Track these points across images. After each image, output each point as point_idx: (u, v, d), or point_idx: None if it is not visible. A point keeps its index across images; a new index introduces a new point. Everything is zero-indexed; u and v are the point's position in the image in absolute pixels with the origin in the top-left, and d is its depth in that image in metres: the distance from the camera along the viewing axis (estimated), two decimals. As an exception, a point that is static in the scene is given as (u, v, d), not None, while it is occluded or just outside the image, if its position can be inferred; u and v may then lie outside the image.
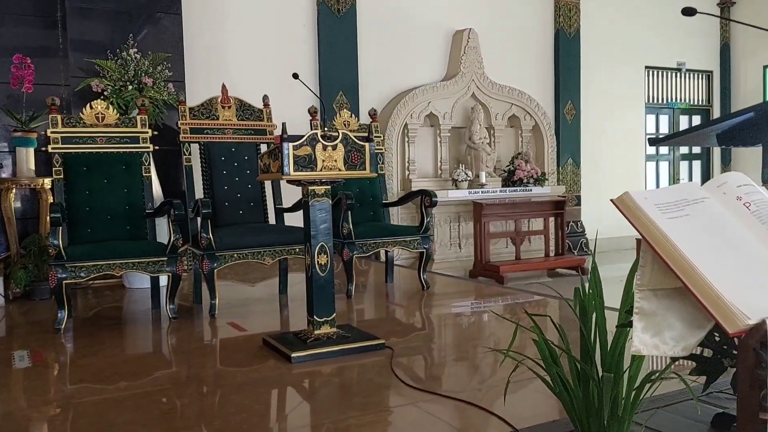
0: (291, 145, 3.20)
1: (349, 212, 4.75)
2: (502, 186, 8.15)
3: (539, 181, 8.27)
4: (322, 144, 3.27)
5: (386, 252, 5.30)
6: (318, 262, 3.41)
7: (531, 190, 8.13)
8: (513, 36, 8.77)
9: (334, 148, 3.30)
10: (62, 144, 4.39)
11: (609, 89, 9.53)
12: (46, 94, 5.02)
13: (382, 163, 5.49)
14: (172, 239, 4.20)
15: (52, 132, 4.36)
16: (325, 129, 3.29)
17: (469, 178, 7.83)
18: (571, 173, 9.19)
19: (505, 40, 8.65)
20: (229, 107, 4.95)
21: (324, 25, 7.42)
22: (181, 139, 4.79)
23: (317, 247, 3.41)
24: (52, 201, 4.97)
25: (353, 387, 2.93)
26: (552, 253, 8.02)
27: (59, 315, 4.01)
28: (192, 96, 5.69)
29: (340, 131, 3.34)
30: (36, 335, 4.02)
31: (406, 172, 7.81)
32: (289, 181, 3.35)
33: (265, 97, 5.07)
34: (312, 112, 5.19)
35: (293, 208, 4.73)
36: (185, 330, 4.07)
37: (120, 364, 3.36)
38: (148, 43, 6.06)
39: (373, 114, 5.55)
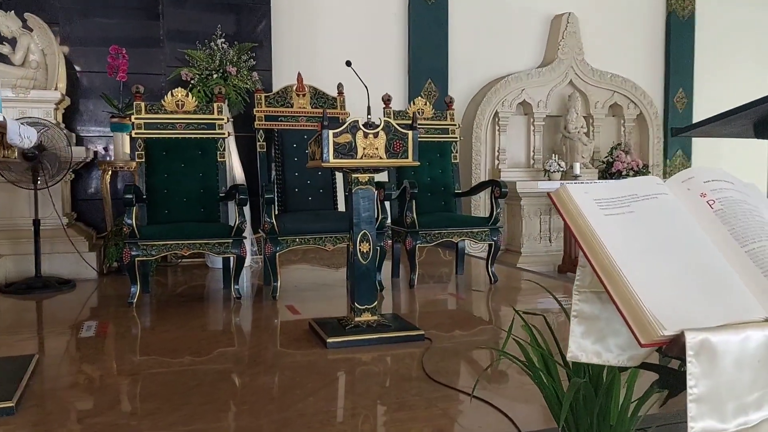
0: (331, 132, 3.22)
1: (414, 201, 4.71)
2: (599, 178, 7.78)
3: (640, 173, 7.82)
4: (363, 131, 3.26)
5: (456, 243, 5.21)
6: (360, 249, 3.42)
7: (630, 182, 7.69)
8: (617, 19, 8.32)
9: (376, 135, 3.28)
10: (144, 129, 4.65)
11: (726, 77, 8.83)
12: (146, 82, 5.35)
13: (456, 152, 5.40)
14: (237, 222, 4.35)
15: (135, 118, 4.64)
16: (369, 117, 3.27)
17: (562, 169, 7.54)
18: (680, 166, 8.62)
19: (608, 24, 8.22)
20: (304, 95, 5.05)
21: (414, 12, 7.37)
22: (255, 126, 4.94)
23: (359, 235, 3.42)
24: (128, 183, 5.30)
25: (376, 376, 2.92)
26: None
27: (132, 290, 4.27)
28: (279, 85, 5.85)
29: (382, 119, 3.31)
30: (111, 308, 4.31)
31: (496, 162, 7.64)
32: (331, 168, 3.37)
33: (340, 85, 5.11)
34: (385, 99, 5.18)
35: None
36: (245, 311, 4.22)
37: (172, 340, 3.53)
38: (237, 33, 6.29)
39: (449, 102, 5.47)
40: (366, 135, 3.27)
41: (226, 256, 4.42)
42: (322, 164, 3.24)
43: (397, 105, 5.26)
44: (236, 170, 5.70)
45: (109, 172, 5.61)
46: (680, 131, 2.22)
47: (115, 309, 4.27)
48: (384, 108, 5.18)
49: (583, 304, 1.36)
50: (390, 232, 4.95)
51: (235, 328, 3.91)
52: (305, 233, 4.41)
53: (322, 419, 2.35)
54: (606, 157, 7.99)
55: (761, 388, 1.12)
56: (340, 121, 5.11)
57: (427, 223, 4.79)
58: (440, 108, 5.48)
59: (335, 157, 3.23)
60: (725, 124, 2.00)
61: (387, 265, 5.12)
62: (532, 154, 7.84)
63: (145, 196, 4.56)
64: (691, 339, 1.07)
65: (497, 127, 7.64)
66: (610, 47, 8.22)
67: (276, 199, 4.83)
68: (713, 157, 8.70)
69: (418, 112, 5.29)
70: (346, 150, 3.24)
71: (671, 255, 1.20)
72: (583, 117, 7.93)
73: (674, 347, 1.10)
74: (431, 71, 7.39)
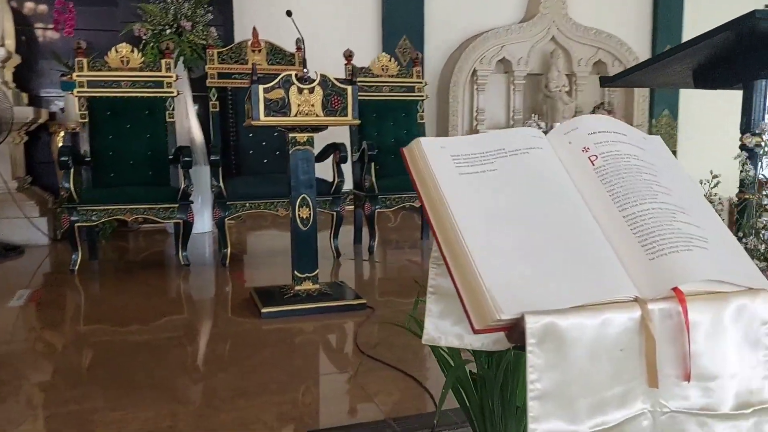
0: (262, 87, 2.98)
1: (372, 163, 4.50)
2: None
3: (624, 133, 7.55)
4: (297, 87, 3.03)
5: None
6: (299, 215, 3.22)
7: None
8: (603, -28, 7.96)
9: (311, 91, 3.05)
10: (88, 87, 4.41)
11: (717, 32, 8.47)
12: (99, 39, 5.10)
13: (423, 111, 5.16)
14: (183, 186, 4.15)
15: (77, 75, 4.40)
16: (305, 70, 3.03)
17: (542, 129, 7.26)
18: (666, 126, 8.36)
19: (593, -22, 7.88)
20: (260, 51, 4.80)
21: (388, -35, 7.04)
22: (208, 84, 4.69)
23: (298, 200, 3.22)
24: (61, 145, 5.07)
25: (303, 347, 2.74)
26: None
27: (73, 257, 4.09)
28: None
29: (318, 73, 3.08)
30: (53, 276, 4.13)
31: (474, 122, 7.39)
32: (263, 127, 3.15)
33: (299, 41, 4.85)
34: (346, 55, 4.92)
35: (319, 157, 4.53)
36: (191, 279, 4.04)
37: (108, 309, 3.36)
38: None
39: (415, 58, 5.21)
40: (300, 90, 3.04)
41: (172, 221, 4.22)
42: (252, 122, 3.02)
43: (368, 63, 5.00)
44: (194, 132, 5.46)
45: (61, 134, 5.38)
46: (608, 80, 1.99)
47: (56, 276, 4.09)
48: (345, 64, 4.93)
49: (440, 278, 1.16)
50: (350, 196, 4.75)
51: (174, 297, 3.74)
52: (255, 198, 4.21)
53: (232, 394, 2.18)
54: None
55: (625, 382, 0.93)
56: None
57: (387, 186, 4.58)
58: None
59: (267, 115, 3.00)
60: (660, 70, 1.77)
61: (347, 232, 4.92)
62: (511, 114, 7.58)
63: (89, 159, 4.34)
64: (531, 324, 0.87)
65: (475, 86, 7.36)
66: (595, 1, 7.89)
67: (230, 162, 4.63)
68: (704, 116, 8.41)
69: (383, 69, 5.04)
70: (278, 107, 3.02)
71: (529, 222, 1.00)
72: (566, 75, 7.63)
73: (515, 334, 0.90)
74: (406, 28, 7.09)
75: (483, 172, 1.07)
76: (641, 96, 8.05)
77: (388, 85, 5.04)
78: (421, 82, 5.15)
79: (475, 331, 0.89)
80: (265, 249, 5.18)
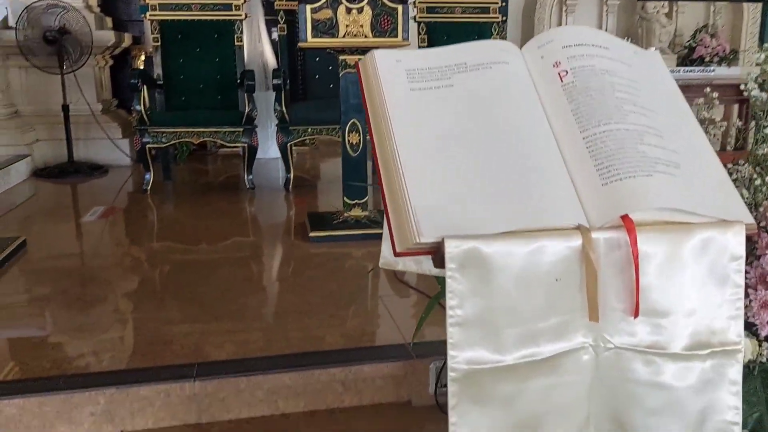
0: (309, 7, 2.93)
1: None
2: (677, 65, 7.02)
3: (725, 60, 6.99)
4: (346, 6, 2.95)
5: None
6: (349, 141, 3.20)
7: (713, 71, 6.91)
8: None
9: (360, 11, 2.97)
10: (159, 11, 4.49)
11: None
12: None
13: (498, 34, 4.93)
14: (247, 110, 4.20)
15: (149, -1, 4.48)
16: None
17: (634, 56, 6.82)
18: (777, 52, 7.63)
19: None
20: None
21: None
22: (276, 6, 4.67)
23: (348, 125, 3.19)
24: (133, 68, 5.21)
25: (342, 272, 2.77)
26: (731, 148, 6.88)
27: (146, 177, 4.26)
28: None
29: (368, -8, 2.98)
30: (128, 195, 4.34)
31: (560, 48, 7.00)
32: (310, 49, 3.11)
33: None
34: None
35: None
36: (256, 202, 4.13)
37: (178, 226, 3.51)
38: None
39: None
40: (349, 10, 2.96)
41: (238, 145, 4.31)
42: (300, 44, 2.99)
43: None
44: (267, 56, 5.48)
45: (141, 57, 5.54)
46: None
47: (131, 195, 4.30)
48: (413, -16, 4.76)
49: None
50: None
51: (236, 219, 3.84)
52: (317, 123, 4.20)
53: (264, 312, 2.25)
54: (688, 41, 7.17)
55: (562, 313, 0.87)
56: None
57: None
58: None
59: (314, 36, 2.95)
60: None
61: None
62: (602, 38, 7.13)
63: (161, 82, 4.46)
64: (451, 249, 0.83)
65: (564, 7, 6.95)
66: None
67: (297, 87, 4.63)
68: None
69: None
70: (326, 28, 2.96)
71: (477, 143, 0.94)
72: (665, -4, 7.08)
73: (438, 259, 0.86)
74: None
75: (437, 87, 1.00)
76: (751, 18, 7.36)
77: (460, 6, 4.84)
78: (496, 2, 4.91)
79: (396, 254, 0.85)
80: (334, 175, 5.21)
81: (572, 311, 0.88)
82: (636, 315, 0.87)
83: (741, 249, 0.90)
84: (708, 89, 1.07)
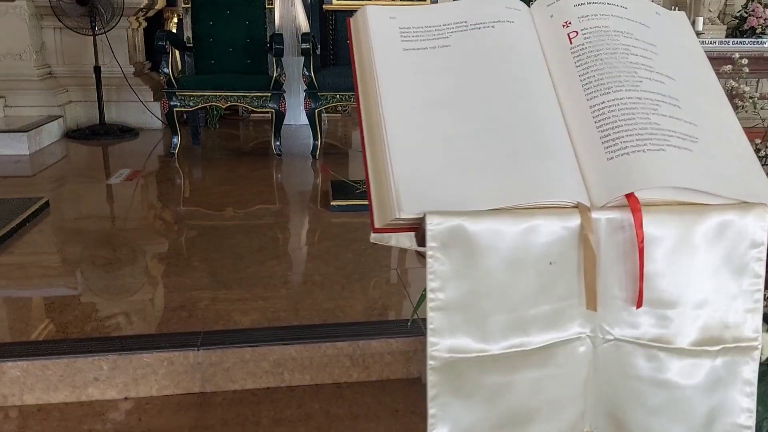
0: (334, -31, 2.83)
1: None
2: (726, 36, 6.71)
3: (779, 32, 6.65)
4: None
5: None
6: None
7: (765, 43, 6.60)
8: None
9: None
10: (189, -28, 4.42)
11: None
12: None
13: None
14: (275, 75, 4.13)
15: (180, -40, 4.41)
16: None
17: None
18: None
19: None
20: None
21: None
22: (308, -30, 4.56)
23: (373, 90, 3.09)
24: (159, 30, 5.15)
25: (360, 243, 2.70)
26: (780, 123, 6.57)
27: (173, 141, 4.24)
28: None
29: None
30: (156, 158, 4.33)
31: (603, 16, 6.74)
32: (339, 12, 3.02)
33: None
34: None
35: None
36: (283, 169, 4.08)
37: (202, 191, 3.49)
38: None
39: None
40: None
41: (265, 110, 4.25)
42: (324, 6, 2.90)
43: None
44: (300, 20, 5.39)
45: (174, 20, 5.50)
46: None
47: (159, 159, 4.29)
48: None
49: (390, 171, 1.04)
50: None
51: (262, 186, 3.80)
52: (345, 89, 4.11)
53: (276, 281, 2.21)
54: (739, 11, 6.83)
55: (556, 300, 0.79)
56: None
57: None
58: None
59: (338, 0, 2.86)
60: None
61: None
62: (648, 7, 6.84)
63: (190, 45, 4.42)
64: (433, 226, 0.75)
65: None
66: None
67: (328, 52, 4.54)
68: None
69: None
70: (351, -10, 2.86)
71: (471, 109, 0.85)
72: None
73: (420, 237, 0.78)
74: None
75: (433, 48, 0.91)
76: (809, -12, 6.97)
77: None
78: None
79: (374, 230, 0.78)
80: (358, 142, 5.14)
81: (568, 298, 0.79)
82: (639, 305, 0.79)
83: (763, 234, 0.80)
84: (737, 55, 0.96)
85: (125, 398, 1.80)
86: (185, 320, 1.94)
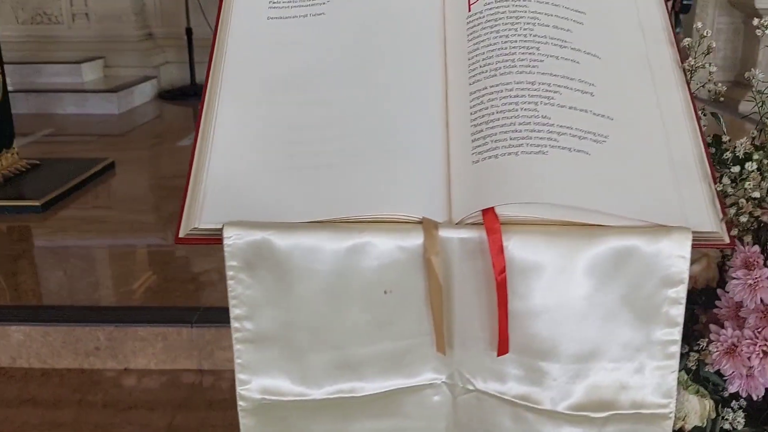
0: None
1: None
2: None
3: None
4: None
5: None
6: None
7: None
8: None
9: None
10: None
11: None
12: None
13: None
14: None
15: None
16: None
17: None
18: None
19: None
20: None
21: None
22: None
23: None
24: None
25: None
26: None
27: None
28: None
29: None
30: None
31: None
32: None
33: None
34: None
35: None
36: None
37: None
38: None
39: None
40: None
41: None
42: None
43: None
44: None
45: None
46: None
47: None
48: None
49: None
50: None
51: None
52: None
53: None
54: None
55: (399, 338, 0.64)
56: None
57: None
58: None
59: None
60: None
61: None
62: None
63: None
64: (231, 240, 0.61)
65: None
66: None
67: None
68: None
69: None
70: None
71: (327, 93, 0.70)
72: None
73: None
74: None
75: (304, 17, 0.76)
76: None
77: None
78: None
79: (176, 241, 0.65)
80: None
81: (415, 336, 0.63)
82: (501, 352, 0.61)
83: (682, 269, 0.59)
84: (699, 25, 0.71)
85: (125, 369, 1.79)
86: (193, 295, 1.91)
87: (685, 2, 3.78)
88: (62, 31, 5.11)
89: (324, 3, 0.76)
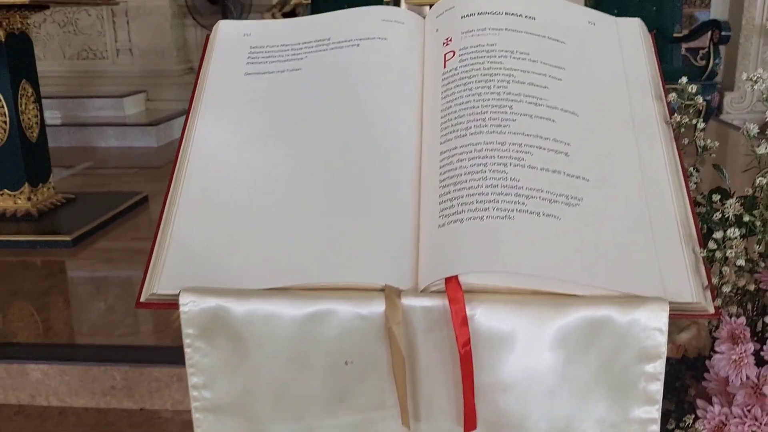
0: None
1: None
2: None
3: None
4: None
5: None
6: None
7: None
8: None
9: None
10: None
11: None
12: None
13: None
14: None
15: (301, -44, 4.43)
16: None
17: None
18: None
19: None
20: None
21: None
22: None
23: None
24: None
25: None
26: None
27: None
28: None
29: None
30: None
31: (780, -5, 5.89)
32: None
33: None
34: None
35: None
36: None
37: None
38: None
39: None
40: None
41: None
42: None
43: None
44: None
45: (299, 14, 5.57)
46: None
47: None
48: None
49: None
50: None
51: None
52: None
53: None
54: None
55: (362, 410, 0.63)
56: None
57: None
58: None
59: (421, -7, 2.67)
60: None
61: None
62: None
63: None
64: (187, 307, 0.60)
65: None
66: None
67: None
68: None
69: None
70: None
71: (296, 152, 0.69)
72: None
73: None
74: None
75: (281, 72, 0.75)
76: None
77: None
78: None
79: (136, 305, 0.64)
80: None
81: (379, 409, 0.60)
82: (469, 428, 0.58)
83: (659, 342, 0.56)
84: (684, 80, 0.66)
85: (141, 409, 1.79)
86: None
87: (724, 33, 3.69)
88: (107, 66, 5.28)
89: (301, 58, 0.75)
